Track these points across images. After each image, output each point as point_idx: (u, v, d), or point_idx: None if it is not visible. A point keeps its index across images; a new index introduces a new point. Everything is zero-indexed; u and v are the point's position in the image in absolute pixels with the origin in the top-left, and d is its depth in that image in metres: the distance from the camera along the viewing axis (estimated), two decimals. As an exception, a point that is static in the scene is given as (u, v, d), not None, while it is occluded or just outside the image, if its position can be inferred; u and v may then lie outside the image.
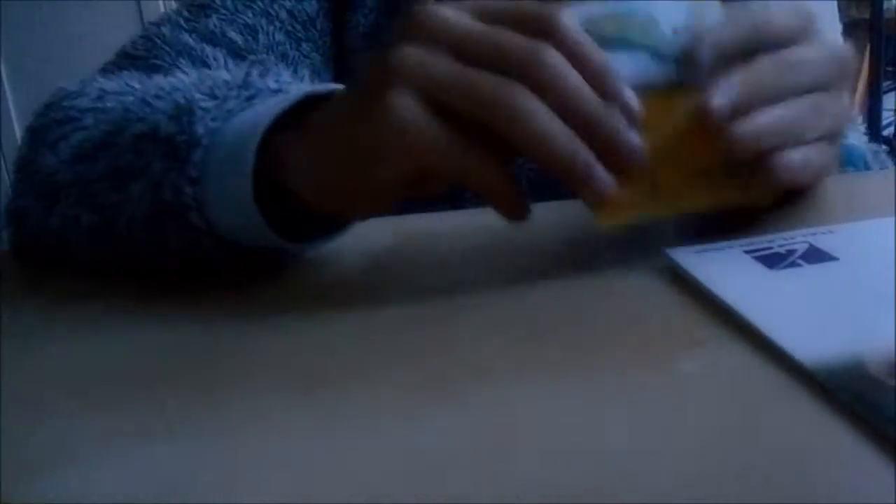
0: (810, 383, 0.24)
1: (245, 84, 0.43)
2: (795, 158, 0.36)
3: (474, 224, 0.47)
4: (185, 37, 0.59)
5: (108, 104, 0.48)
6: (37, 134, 0.50)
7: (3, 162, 2.36)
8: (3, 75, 2.28)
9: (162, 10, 2.25)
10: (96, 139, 0.45)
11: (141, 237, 0.42)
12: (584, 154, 0.33)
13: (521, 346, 0.30)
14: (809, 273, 0.32)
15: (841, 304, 0.30)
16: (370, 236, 0.47)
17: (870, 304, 0.29)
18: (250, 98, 0.42)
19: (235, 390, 0.28)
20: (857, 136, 0.56)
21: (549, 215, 0.48)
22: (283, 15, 0.61)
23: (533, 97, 0.33)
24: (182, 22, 0.60)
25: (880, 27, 2.30)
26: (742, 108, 0.34)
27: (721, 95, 0.34)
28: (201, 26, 0.60)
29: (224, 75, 0.45)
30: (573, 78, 0.33)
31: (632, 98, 0.34)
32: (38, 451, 0.22)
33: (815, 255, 0.34)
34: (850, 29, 2.52)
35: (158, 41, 0.59)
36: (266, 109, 0.39)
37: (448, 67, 0.34)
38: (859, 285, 0.32)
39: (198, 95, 0.41)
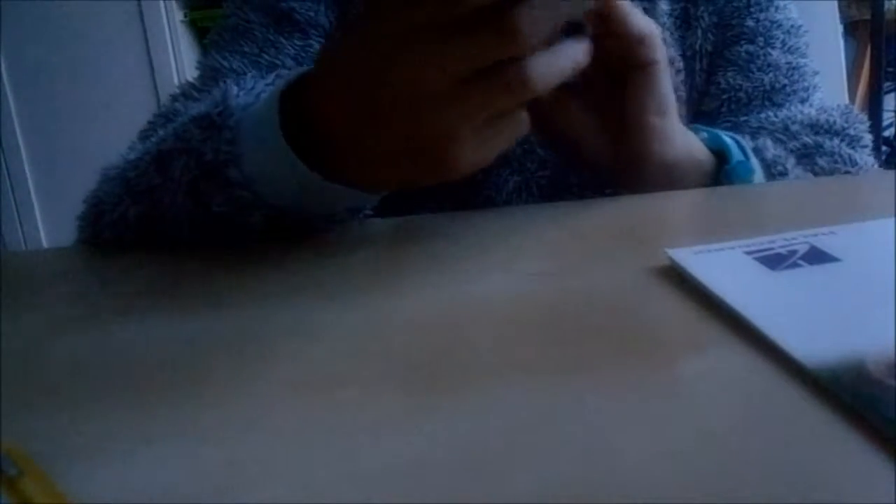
0: (811, 384, 0.24)
1: (272, 82, 0.48)
2: None
3: (474, 224, 0.47)
4: (196, 109, 0.61)
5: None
6: (90, 200, 0.53)
7: (3, 162, 2.36)
8: (4, 75, 2.29)
9: (162, 9, 2.24)
10: (140, 156, 0.50)
11: (185, 209, 0.46)
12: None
13: (521, 345, 0.30)
14: (810, 274, 0.32)
15: (842, 305, 0.30)
16: (371, 236, 0.48)
17: (871, 305, 0.29)
18: None
19: (234, 392, 0.28)
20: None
21: (549, 216, 0.48)
22: (290, 63, 0.64)
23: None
24: (194, 93, 0.63)
25: (881, 27, 2.30)
26: None
27: None
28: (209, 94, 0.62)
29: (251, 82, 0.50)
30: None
31: None
32: (38, 451, 0.22)
33: (817, 256, 0.34)
34: (850, 29, 2.52)
35: (173, 119, 0.60)
36: (287, 77, 0.44)
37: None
38: (860, 286, 0.32)
39: (231, 87, 0.47)
